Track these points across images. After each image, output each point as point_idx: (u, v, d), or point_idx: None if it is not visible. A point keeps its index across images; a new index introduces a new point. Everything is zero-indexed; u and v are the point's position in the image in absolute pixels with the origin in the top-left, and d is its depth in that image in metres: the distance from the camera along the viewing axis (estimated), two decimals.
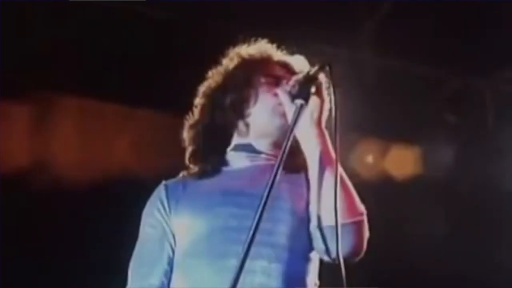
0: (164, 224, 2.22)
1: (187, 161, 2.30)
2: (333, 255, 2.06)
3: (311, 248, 2.14)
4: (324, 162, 2.09)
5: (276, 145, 2.21)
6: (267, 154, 2.25)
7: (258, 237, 1.97)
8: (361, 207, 2.11)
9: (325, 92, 2.14)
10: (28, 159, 4.31)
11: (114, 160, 4.45)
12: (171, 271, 2.19)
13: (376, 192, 4.87)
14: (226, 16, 4.27)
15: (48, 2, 4.15)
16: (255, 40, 2.37)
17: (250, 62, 2.32)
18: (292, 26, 3.89)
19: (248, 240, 1.86)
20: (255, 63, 2.31)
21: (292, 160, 2.18)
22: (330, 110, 2.14)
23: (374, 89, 5.01)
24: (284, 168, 2.14)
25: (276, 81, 2.26)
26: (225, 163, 2.28)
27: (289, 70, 2.29)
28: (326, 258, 2.12)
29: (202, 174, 2.26)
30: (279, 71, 2.29)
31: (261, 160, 2.24)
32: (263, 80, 2.27)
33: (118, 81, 4.35)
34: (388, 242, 4.71)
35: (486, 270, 5.09)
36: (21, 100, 4.29)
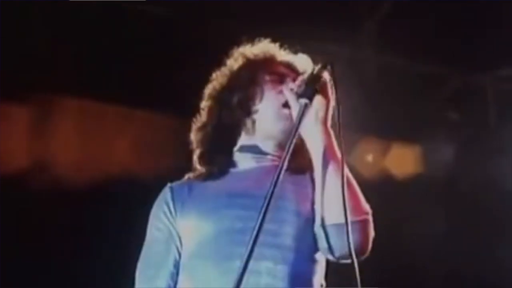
0: (170, 227, 2.23)
1: (195, 163, 2.31)
2: (338, 254, 2.08)
3: (316, 248, 2.14)
4: (329, 160, 2.09)
5: (282, 146, 2.21)
6: (273, 155, 2.25)
7: (263, 238, 1.96)
8: (366, 206, 2.12)
9: (330, 91, 2.14)
10: (28, 160, 4.31)
11: (114, 160, 4.44)
12: (178, 273, 2.20)
13: (377, 191, 4.86)
14: (226, 15, 4.27)
15: (48, 2, 4.15)
16: (259, 40, 2.38)
17: (254, 62, 2.33)
18: (292, 25, 3.88)
19: (252, 241, 1.85)
20: (259, 62, 2.33)
21: (297, 161, 2.20)
22: (334, 108, 2.15)
23: (375, 88, 5.01)
24: (289, 169, 2.15)
25: (280, 79, 2.27)
26: (231, 164, 2.29)
27: (293, 69, 2.31)
28: (330, 257, 2.12)
29: (208, 176, 2.27)
30: (283, 70, 2.30)
31: (267, 161, 2.25)
32: (267, 78, 2.29)
33: (118, 82, 4.35)
34: (388, 241, 4.70)
35: (486, 269, 5.09)
36: (21, 101, 4.29)
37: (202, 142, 2.30)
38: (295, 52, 2.36)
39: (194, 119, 2.34)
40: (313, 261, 2.15)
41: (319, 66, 2.14)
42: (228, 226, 2.10)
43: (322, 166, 2.10)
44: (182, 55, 4.31)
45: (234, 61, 2.35)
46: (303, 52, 2.36)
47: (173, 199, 2.24)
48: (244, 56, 2.35)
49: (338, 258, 2.08)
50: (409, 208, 5.18)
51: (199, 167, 2.30)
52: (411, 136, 5.36)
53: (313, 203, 2.14)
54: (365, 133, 5.19)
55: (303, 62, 2.31)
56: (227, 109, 2.28)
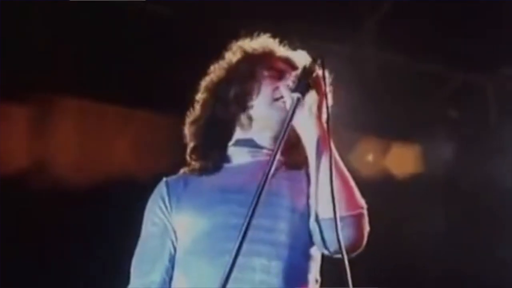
0: (166, 221, 2.22)
1: (188, 157, 2.30)
2: (332, 248, 2.07)
3: (311, 244, 2.14)
4: (322, 154, 2.09)
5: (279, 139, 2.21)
6: (269, 149, 2.24)
7: (257, 234, 2.00)
8: (361, 201, 2.11)
9: (323, 85, 2.14)
10: (28, 160, 4.31)
11: (114, 160, 4.44)
12: (173, 268, 2.20)
13: (376, 190, 4.86)
14: (226, 15, 4.27)
15: (48, 2, 4.15)
16: (258, 35, 2.36)
17: (253, 56, 2.32)
18: (293, 23, 3.89)
19: (240, 237, 1.86)
20: (258, 57, 2.31)
21: (293, 157, 2.22)
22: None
23: (375, 87, 5.01)
24: (284, 165, 2.17)
25: (278, 75, 2.27)
26: (226, 159, 2.28)
27: (291, 65, 2.29)
28: (326, 252, 2.12)
29: (203, 171, 2.26)
30: (282, 66, 2.29)
31: (262, 156, 2.23)
32: (266, 73, 2.27)
33: (118, 82, 4.34)
34: (388, 240, 4.71)
35: (487, 268, 5.09)
36: (21, 101, 4.29)
37: (196, 136, 2.29)
38: (294, 48, 2.35)
39: (188, 113, 2.33)
40: (308, 257, 2.15)
41: (311, 60, 2.15)
42: (223, 222, 2.10)
43: (315, 160, 2.10)
44: (182, 55, 4.31)
45: (232, 55, 2.34)
46: (303, 49, 2.34)
47: (168, 194, 2.23)
48: (242, 50, 2.34)
49: (333, 253, 2.08)
50: (409, 207, 5.18)
51: (193, 162, 2.29)
52: (411, 135, 5.36)
53: (308, 199, 2.14)
54: (365, 132, 5.19)
55: (302, 58, 2.29)
56: (222, 103, 2.27)
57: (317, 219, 2.09)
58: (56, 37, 4.23)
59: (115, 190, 4.29)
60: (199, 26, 4.35)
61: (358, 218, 2.08)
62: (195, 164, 2.28)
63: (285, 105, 2.16)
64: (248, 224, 1.87)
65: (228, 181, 2.20)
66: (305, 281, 2.13)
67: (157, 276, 2.20)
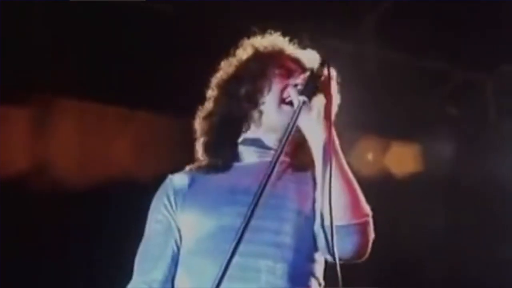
0: (170, 219, 2.22)
1: (198, 153, 2.29)
2: (336, 255, 2.06)
3: (316, 248, 2.14)
4: (327, 160, 2.08)
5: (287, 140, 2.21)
6: (276, 150, 2.20)
7: (263, 236, 2.02)
8: (367, 208, 2.11)
9: (332, 88, 2.14)
10: (28, 160, 4.30)
11: (114, 161, 4.44)
12: (176, 266, 2.20)
13: (376, 189, 4.86)
14: (227, 13, 4.27)
15: (48, 2, 4.15)
16: (269, 33, 2.37)
17: (263, 54, 2.32)
18: (293, 21, 3.89)
19: (237, 238, 1.87)
20: (268, 54, 2.31)
21: (300, 158, 2.22)
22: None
23: (375, 84, 5.01)
24: (291, 167, 2.17)
25: (288, 74, 2.27)
26: (234, 157, 2.27)
27: (301, 65, 2.29)
28: (329, 258, 2.12)
29: (211, 168, 2.26)
30: (291, 65, 2.29)
31: (269, 156, 2.20)
32: (276, 71, 2.27)
33: (118, 82, 4.34)
34: (388, 239, 4.70)
35: (487, 267, 5.09)
36: (20, 101, 4.28)
37: (207, 132, 2.28)
38: (304, 47, 2.35)
39: (200, 108, 2.32)
40: (313, 260, 2.16)
41: (318, 64, 2.14)
42: (229, 223, 2.09)
43: (321, 165, 2.09)
44: (182, 55, 4.31)
45: (242, 52, 2.33)
46: (303, 47, 2.36)
47: (174, 191, 2.23)
48: (253, 47, 2.33)
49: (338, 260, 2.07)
50: (409, 205, 5.17)
51: (201, 157, 2.29)
52: (411, 132, 5.35)
53: (314, 202, 2.13)
54: (365, 130, 5.19)
55: (311, 58, 2.29)
56: (234, 100, 2.27)
57: (322, 225, 2.09)
58: (56, 37, 4.23)
59: (115, 191, 4.29)
60: (200, 26, 4.35)
61: (364, 226, 2.08)
62: (204, 161, 2.28)
63: (293, 108, 2.15)
64: (246, 225, 1.88)
65: (235, 181, 2.20)
66: (309, 284, 2.14)
67: (159, 274, 2.20)
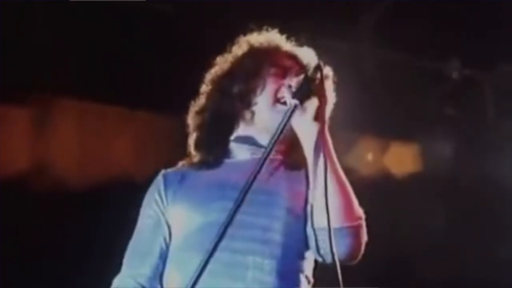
0: (160, 215, 2.22)
1: (190, 148, 2.29)
2: (328, 259, 2.08)
3: (306, 247, 2.14)
4: (320, 163, 2.08)
5: (278, 140, 2.20)
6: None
7: (252, 233, 2.02)
8: (360, 211, 2.11)
9: (327, 91, 2.13)
10: (28, 161, 4.31)
11: (115, 161, 4.44)
12: (164, 263, 2.20)
13: (376, 189, 4.88)
14: (227, 12, 4.27)
15: (48, 2, 4.15)
16: (266, 30, 2.36)
17: (258, 51, 2.30)
18: (291, 20, 3.89)
19: (219, 234, 1.87)
20: (263, 52, 2.30)
21: (293, 157, 2.22)
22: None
23: (374, 83, 5.01)
24: (283, 164, 2.17)
25: (283, 72, 2.25)
26: (226, 154, 2.27)
27: (297, 62, 2.28)
28: (320, 260, 2.13)
29: (203, 164, 2.26)
30: (287, 62, 2.28)
31: (261, 154, 2.19)
32: (271, 70, 2.26)
33: (118, 82, 4.34)
34: (387, 239, 4.72)
35: (487, 267, 5.09)
36: (20, 102, 4.29)
37: (200, 127, 2.28)
38: (301, 44, 2.34)
39: (192, 103, 2.32)
40: (302, 257, 2.16)
41: (313, 67, 2.13)
42: (217, 218, 2.06)
43: (313, 167, 2.09)
44: (182, 54, 4.31)
45: (238, 48, 2.32)
46: (300, 46, 2.35)
47: (165, 187, 2.24)
48: (249, 44, 2.33)
49: (328, 263, 2.08)
50: (408, 205, 5.17)
51: (193, 153, 2.28)
52: (409, 133, 5.35)
53: (306, 202, 2.13)
54: (364, 130, 5.19)
55: (308, 55, 2.29)
56: (226, 97, 2.26)
57: (313, 227, 2.09)
58: (56, 37, 4.23)
59: (115, 190, 4.29)
60: (200, 26, 4.35)
61: (356, 229, 2.08)
62: (196, 156, 2.28)
63: (284, 108, 2.14)
64: (230, 221, 1.88)
65: (226, 177, 2.19)
66: (297, 281, 2.14)
67: (146, 270, 2.20)
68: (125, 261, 2.26)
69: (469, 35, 4.80)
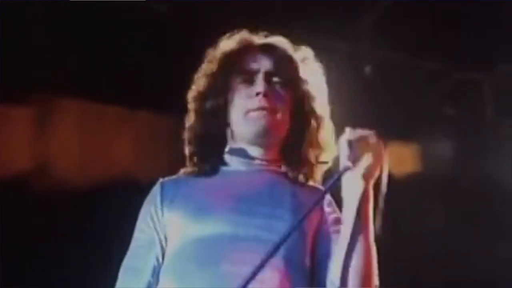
0: (154, 233, 2.22)
1: (187, 160, 2.30)
2: None
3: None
4: (358, 222, 2.03)
5: (269, 150, 2.20)
6: (261, 160, 2.22)
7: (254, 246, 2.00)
8: (376, 280, 2.09)
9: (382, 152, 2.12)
10: (29, 161, 4.30)
11: (116, 161, 4.44)
12: (157, 279, 2.18)
13: (375, 189, 4.86)
14: (226, 12, 4.27)
15: (48, 2, 4.15)
16: (236, 32, 2.35)
17: (227, 61, 2.29)
18: (291, 20, 3.89)
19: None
20: (231, 57, 2.28)
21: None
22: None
23: (373, 83, 5.01)
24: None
25: (251, 78, 2.23)
26: (223, 164, 2.27)
27: (272, 51, 2.27)
28: None
29: (200, 173, 2.26)
30: (256, 63, 2.25)
31: (255, 166, 2.22)
32: (237, 79, 2.24)
33: (119, 82, 4.34)
34: (387, 239, 4.70)
35: (487, 267, 5.09)
36: (21, 102, 4.28)
37: (192, 143, 2.29)
38: (272, 34, 2.33)
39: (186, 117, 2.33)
40: (303, 272, 2.13)
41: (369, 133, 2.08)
42: (212, 229, 2.09)
43: (348, 225, 2.04)
44: (183, 54, 4.30)
45: (208, 63, 2.33)
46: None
47: (161, 197, 2.23)
48: (215, 55, 2.32)
49: None
50: (407, 205, 5.17)
51: (191, 164, 2.29)
52: (409, 133, 5.36)
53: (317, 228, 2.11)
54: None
55: (282, 43, 2.29)
56: (204, 116, 2.27)
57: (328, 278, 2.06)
58: (56, 37, 4.23)
59: (115, 190, 4.29)
60: (201, 26, 4.35)
61: None
62: (193, 167, 2.28)
63: (263, 113, 2.15)
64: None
65: (223, 187, 2.19)
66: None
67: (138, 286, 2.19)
68: (119, 274, 2.26)
69: (469, 35, 4.80)
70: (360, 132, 2.09)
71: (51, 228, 4.24)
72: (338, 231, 2.13)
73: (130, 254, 2.26)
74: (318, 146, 2.29)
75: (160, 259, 2.19)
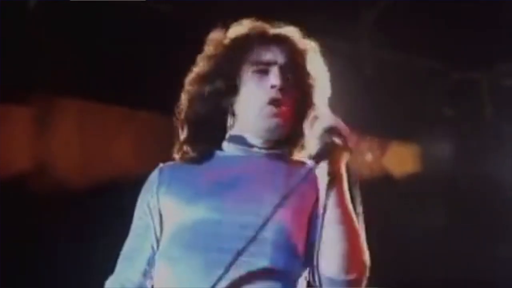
0: (150, 221, 2.20)
1: (182, 145, 2.27)
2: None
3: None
4: (333, 207, 2.00)
5: (270, 141, 2.18)
6: (259, 148, 2.19)
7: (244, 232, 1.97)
8: (365, 259, 2.05)
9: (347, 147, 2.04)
10: (29, 161, 4.30)
11: (116, 161, 4.44)
12: (153, 265, 2.17)
13: (375, 190, 4.88)
14: (226, 12, 4.26)
15: (48, 2, 4.15)
16: (245, 18, 2.31)
17: (237, 46, 2.23)
18: (290, 19, 3.89)
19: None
20: (243, 45, 2.23)
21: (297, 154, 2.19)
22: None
23: (372, 83, 5.01)
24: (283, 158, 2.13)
25: (264, 69, 2.18)
26: (220, 149, 2.24)
27: (286, 44, 2.22)
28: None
29: (196, 159, 2.22)
30: (274, 50, 2.21)
31: (253, 153, 2.19)
32: (251, 68, 2.19)
33: (119, 82, 4.34)
34: (386, 240, 4.72)
35: (487, 267, 5.09)
36: (21, 102, 4.28)
37: (190, 126, 2.25)
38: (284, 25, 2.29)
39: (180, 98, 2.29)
40: (296, 259, 2.09)
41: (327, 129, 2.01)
42: (203, 216, 2.07)
43: (323, 208, 2.01)
44: (183, 54, 4.30)
45: (213, 47, 2.28)
46: None
47: (159, 182, 2.22)
48: (221, 41, 2.27)
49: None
50: (407, 205, 5.18)
51: (185, 148, 2.26)
52: (408, 133, 5.36)
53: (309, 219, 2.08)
54: (362, 131, 5.19)
55: (295, 34, 2.25)
56: (203, 100, 2.22)
57: (317, 272, 2.03)
58: (56, 37, 4.23)
59: (116, 190, 4.29)
60: (201, 26, 4.35)
61: (356, 282, 2.02)
62: (189, 152, 2.25)
63: (279, 109, 2.11)
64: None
65: (219, 173, 2.17)
66: (290, 282, 2.09)
67: (134, 275, 2.20)
68: (118, 262, 2.27)
69: (468, 35, 4.81)
70: (334, 122, 2.02)
71: (51, 228, 4.24)
72: None
73: (128, 241, 2.26)
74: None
75: (155, 247, 2.18)
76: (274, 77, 2.15)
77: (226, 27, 2.32)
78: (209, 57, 2.27)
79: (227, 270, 1.90)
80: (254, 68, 2.19)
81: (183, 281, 2.03)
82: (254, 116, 2.17)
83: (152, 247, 2.19)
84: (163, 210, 2.19)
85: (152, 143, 4.50)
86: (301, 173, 1.98)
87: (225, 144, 2.24)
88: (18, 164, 4.27)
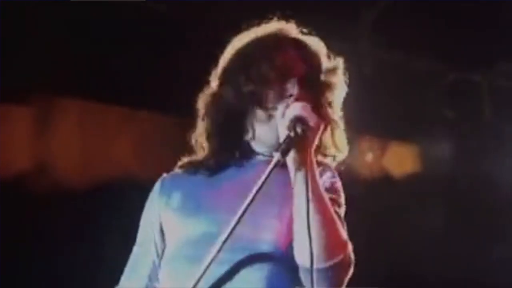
0: (152, 234, 2.18)
1: (196, 145, 2.21)
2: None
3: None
4: (300, 191, 1.93)
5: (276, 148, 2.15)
6: (264, 156, 2.14)
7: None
8: (344, 240, 1.98)
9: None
10: (29, 161, 4.31)
11: (117, 161, 4.44)
12: (154, 280, 2.16)
13: (375, 190, 4.88)
14: (226, 11, 4.27)
15: (48, 2, 4.15)
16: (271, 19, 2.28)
17: (260, 49, 2.17)
18: (290, 19, 3.89)
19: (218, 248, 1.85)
20: (266, 48, 2.17)
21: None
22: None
23: (372, 83, 5.01)
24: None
25: (283, 75, 2.13)
26: (225, 160, 2.18)
27: (309, 55, 2.19)
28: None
29: (201, 169, 2.18)
30: (296, 57, 2.18)
31: (256, 161, 2.15)
32: (271, 73, 2.12)
33: (119, 82, 4.35)
34: (386, 240, 4.72)
35: (486, 267, 5.10)
36: (21, 102, 4.29)
37: (210, 135, 2.17)
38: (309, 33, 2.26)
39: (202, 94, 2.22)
40: (291, 270, 2.03)
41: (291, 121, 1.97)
42: (206, 230, 2.05)
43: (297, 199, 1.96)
44: (183, 54, 4.32)
45: (236, 51, 2.19)
46: None
47: (160, 194, 2.19)
48: (254, 37, 2.21)
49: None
50: (407, 206, 5.18)
51: (199, 152, 2.20)
52: (408, 133, 5.36)
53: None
54: (362, 131, 5.19)
55: (317, 44, 2.23)
56: (225, 109, 2.15)
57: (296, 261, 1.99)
58: (56, 37, 4.24)
59: (116, 190, 4.29)
60: (201, 26, 4.36)
61: (336, 267, 1.95)
62: (196, 159, 2.20)
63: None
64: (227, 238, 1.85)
65: (221, 185, 2.14)
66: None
67: (136, 285, 2.18)
68: (124, 272, 2.23)
69: (468, 36, 4.81)
70: (299, 112, 1.98)
71: (51, 228, 4.24)
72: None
73: (133, 253, 2.24)
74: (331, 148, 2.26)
75: (157, 262, 2.16)
76: (292, 86, 2.12)
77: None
78: (242, 55, 2.18)
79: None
80: (274, 73, 2.13)
81: None
82: (266, 126, 2.12)
83: (154, 262, 2.18)
84: (164, 224, 2.17)
85: (152, 143, 4.51)
86: (269, 166, 1.91)
87: (243, 148, 2.17)
88: (18, 164, 4.28)
